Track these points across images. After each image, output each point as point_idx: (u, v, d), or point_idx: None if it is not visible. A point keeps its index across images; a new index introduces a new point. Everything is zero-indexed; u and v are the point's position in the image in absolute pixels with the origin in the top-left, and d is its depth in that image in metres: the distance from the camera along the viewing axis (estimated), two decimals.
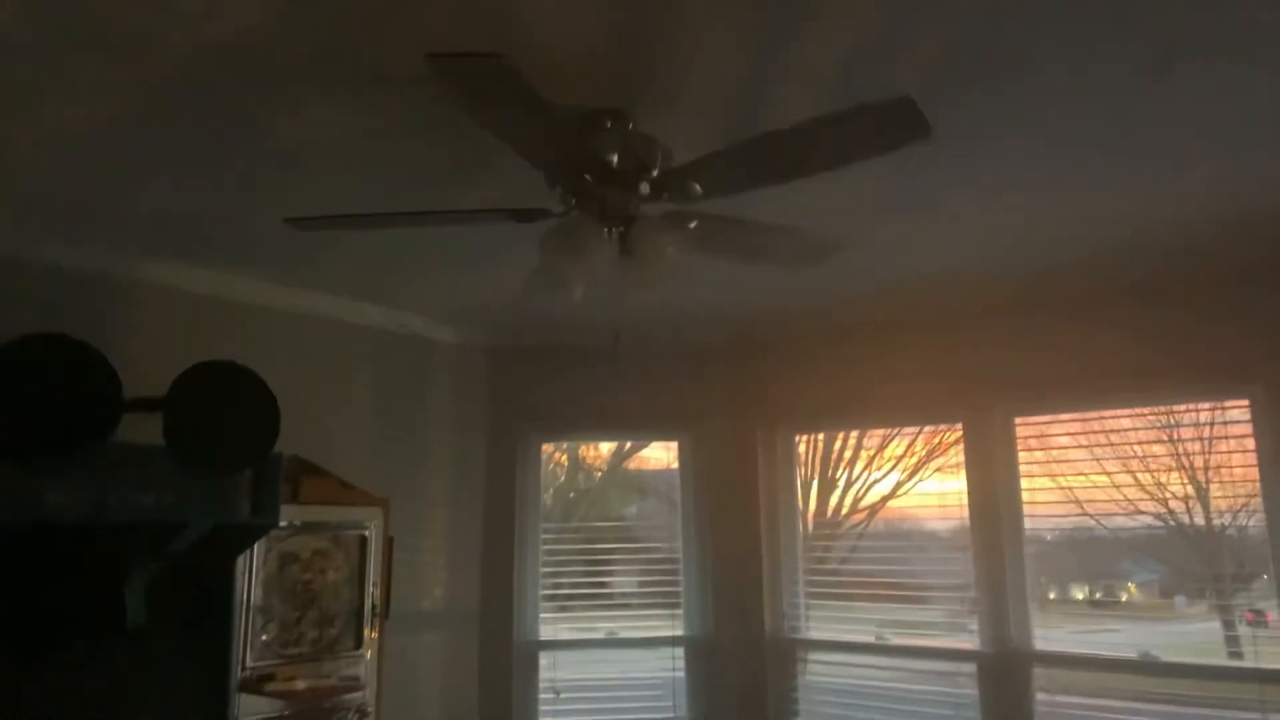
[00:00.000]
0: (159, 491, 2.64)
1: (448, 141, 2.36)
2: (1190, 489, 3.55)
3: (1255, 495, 3.31)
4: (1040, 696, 3.60)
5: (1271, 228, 3.08)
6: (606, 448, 4.98)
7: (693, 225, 2.29)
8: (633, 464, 5.00)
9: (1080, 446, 3.74)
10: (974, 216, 3.00)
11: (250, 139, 2.34)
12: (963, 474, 3.97)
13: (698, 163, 2.12)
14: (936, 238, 3.21)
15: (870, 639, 4.13)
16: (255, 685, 3.13)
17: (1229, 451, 3.45)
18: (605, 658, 4.42)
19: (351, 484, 3.65)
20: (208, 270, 3.42)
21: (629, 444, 4.90)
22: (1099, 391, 3.62)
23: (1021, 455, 3.85)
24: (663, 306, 3.99)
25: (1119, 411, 3.65)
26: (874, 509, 4.53)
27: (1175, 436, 3.61)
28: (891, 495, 4.46)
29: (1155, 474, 3.60)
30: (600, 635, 4.41)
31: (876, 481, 4.53)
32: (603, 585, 4.71)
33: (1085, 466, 3.72)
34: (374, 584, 3.60)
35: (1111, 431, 3.69)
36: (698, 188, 2.15)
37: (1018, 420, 3.85)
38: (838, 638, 4.23)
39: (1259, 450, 3.30)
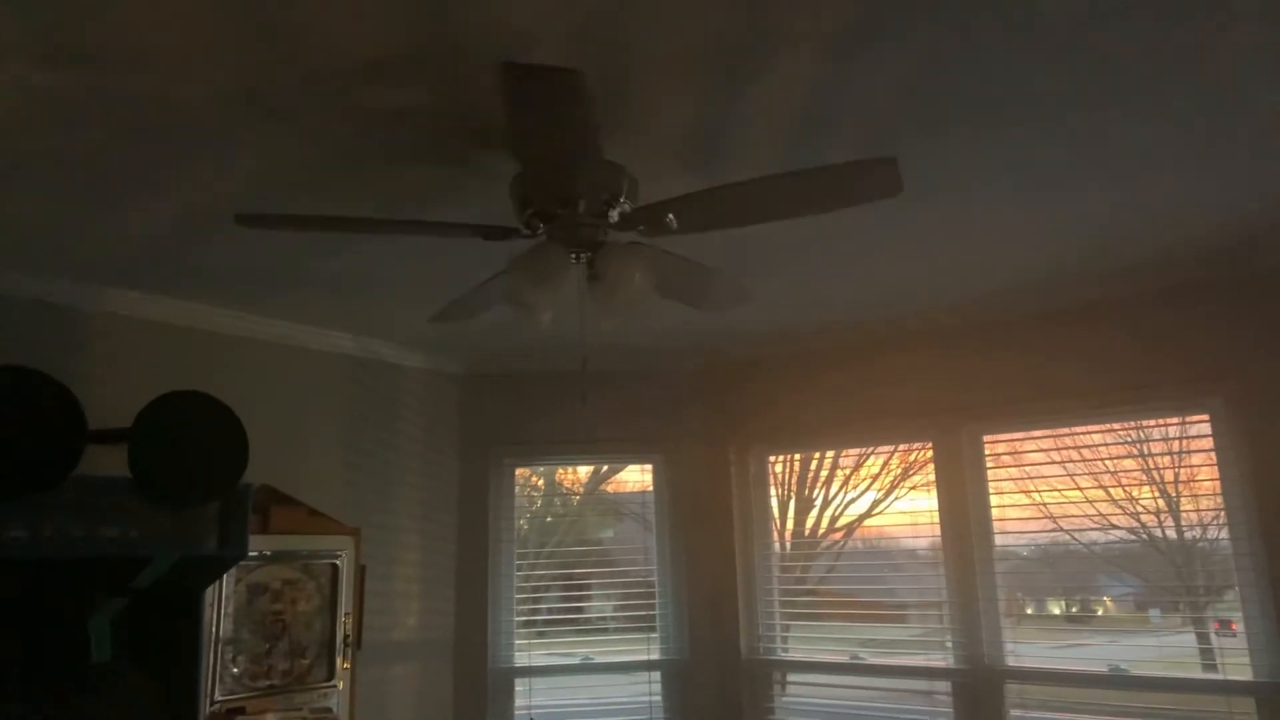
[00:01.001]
0: (123, 525, 2.60)
1: (412, 169, 2.36)
2: (1161, 502, 3.58)
3: (1223, 508, 3.35)
4: (1014, 714, 3.61)
5: (1220, 249, 3.16)
6: (584, 471, 4.97)
7: (671, 219, 2.24)
8: (610, 486, 4.98)
9: (1053, 462, 3.77)
10: (938, 243, 3.06)
11: (217, 167, 2.34)
12: (933, 491, 3.99)
13: (678, 200, 2.15)
14: (902, 264, 3.26)
15: (846, 659, 4.12)
16: (224, 719, 3.08)
17: (1197, 465, 3.49)
18: (582, 683, 4.39)
19: (322, 513, 3.61)
20: (175, 299, 3.40)
21: (605, 467, 4.88)
22: (1063, 409, 3.65)
23: (995, 471, 3.87)
24: (635, 329, 4.00)
25: (1089, 427, 3.69)
26: (851, 528, 4.54)
27: (1145, 450, 3.64)
28: (868, 514, 4.47)
29: (1127, 488, 3.63)
30: (576, 661, 4.38)
31: (853, 500, 4.54)
32: (579, 610, 4.69)
33: (1058, 481, 3.75)
34: (346, 614, 3.55)
35: (1083, 447, 3.72)
36: (673, 221, 2.18)
37: (987, 437, 3.88)
38: (814, 658, 4.22)
39: (1220, 463, 3.34)
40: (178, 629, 2.92)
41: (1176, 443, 3.58)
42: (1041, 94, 2.06)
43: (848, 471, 4.58)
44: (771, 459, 4.55)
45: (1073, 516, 3.70)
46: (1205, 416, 3.39)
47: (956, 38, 1.82)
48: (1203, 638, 3.46)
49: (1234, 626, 3.29)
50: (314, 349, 3.89)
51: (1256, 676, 3.14)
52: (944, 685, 3.80)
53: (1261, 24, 1.81)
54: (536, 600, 4.47)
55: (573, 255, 2.26)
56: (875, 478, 4.46)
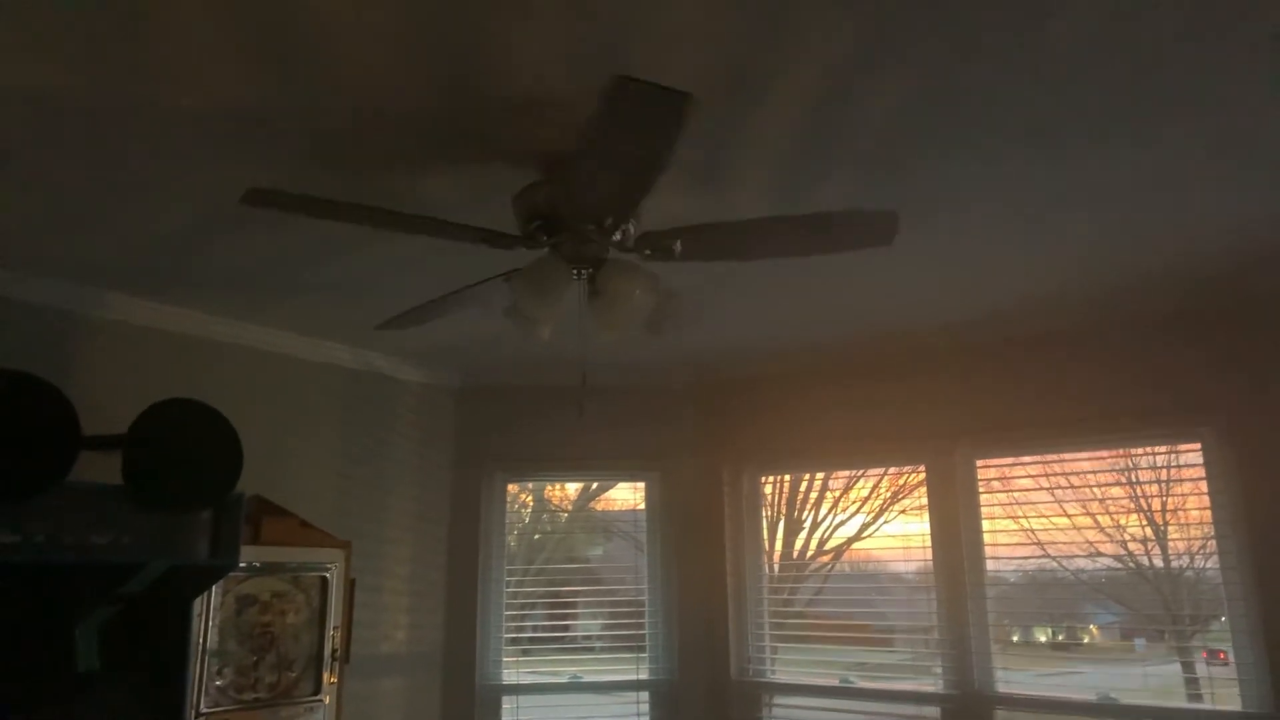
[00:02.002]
0: (115, 531, 2.58)
1: (419, 181, 2.38)
2: (1149, 531, 3.60)
3: (1211, 537, 3.37)
4: None
5: (1214, 277, 3.20)
6: (573, 488, 4.96)
7: (677, 246, 2.28)
8: (599, 505, 4.97)
9: (1041, 489, 3.79)
10: (934, 264, 3.08)
11: (221, 177, 2.34)
12: (927, 516, 4.00)
13: (686, 230, 2.21)
14: (897, 285, 3.28)
15: (835, 682, 4.12)
16: None
17: (1185, 494, 3.51)
18: (569, 702, 4.36)
19: (313, 525, 3.60)
20: (172, 306, 3.39)
21: (595, 485, 4.88)
22: (1057, 435, 3.67)
23: (984, 497, 3.89)
24: (630, 346, 4.02)
25: (1079, 454, 3.71)
26: (839, 551, 4.54)
27: (1133, 479, 3.67)
28: (856, 537, 4.47)
29: (1115, 516, 3.65)
30: (564, 679, 4.35)
31: (842, 523, 4.54)
32: (567, 629, 4.67)
33: (1046, 508, 3.76)
34: (335, 627, 3.53)
35: (1072, 474, 3.74)
36: (679, 248, 2.24)
37: (980, 462, 3.89)
38: (803, 681, 4.21)
39: (1211, 492, 3.36)
40: (166, 638, 2.90)
41: (1165, 471, 3.61)
42: (1041, 121, 2.09)
43: (837, 494, 4.59)
44: (763, 480, 4.56)
45: (1060, 543, 3.71)
46: (1196, 445, 3.42)
47: (958, 62, 1.85)
48: (1188, 667, 3.47)
49: (1222, 655, 3.30)
50: (310, 359, 3.88)
51: (1245, 707, 3.15)
52: (933, 711, 3.80)
53: (1256, 55, 1.84)
54: (525, 618, 4.45)
55: (575, 270, 2.28)
56: (864, 501, 4.48)
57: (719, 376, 4.50)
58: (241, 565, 3.06)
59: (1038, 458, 3.79)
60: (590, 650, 4.56)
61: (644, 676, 4.30)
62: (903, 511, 4.28)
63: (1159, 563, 3.58)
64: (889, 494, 4.40)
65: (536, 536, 4.83)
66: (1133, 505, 3.63)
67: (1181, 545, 3.53)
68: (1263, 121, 2.11)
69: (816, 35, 1.74)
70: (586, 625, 4.66)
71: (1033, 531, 3.78)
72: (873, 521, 4.43)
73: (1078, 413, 3.61)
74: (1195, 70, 1.89)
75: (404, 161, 2.27)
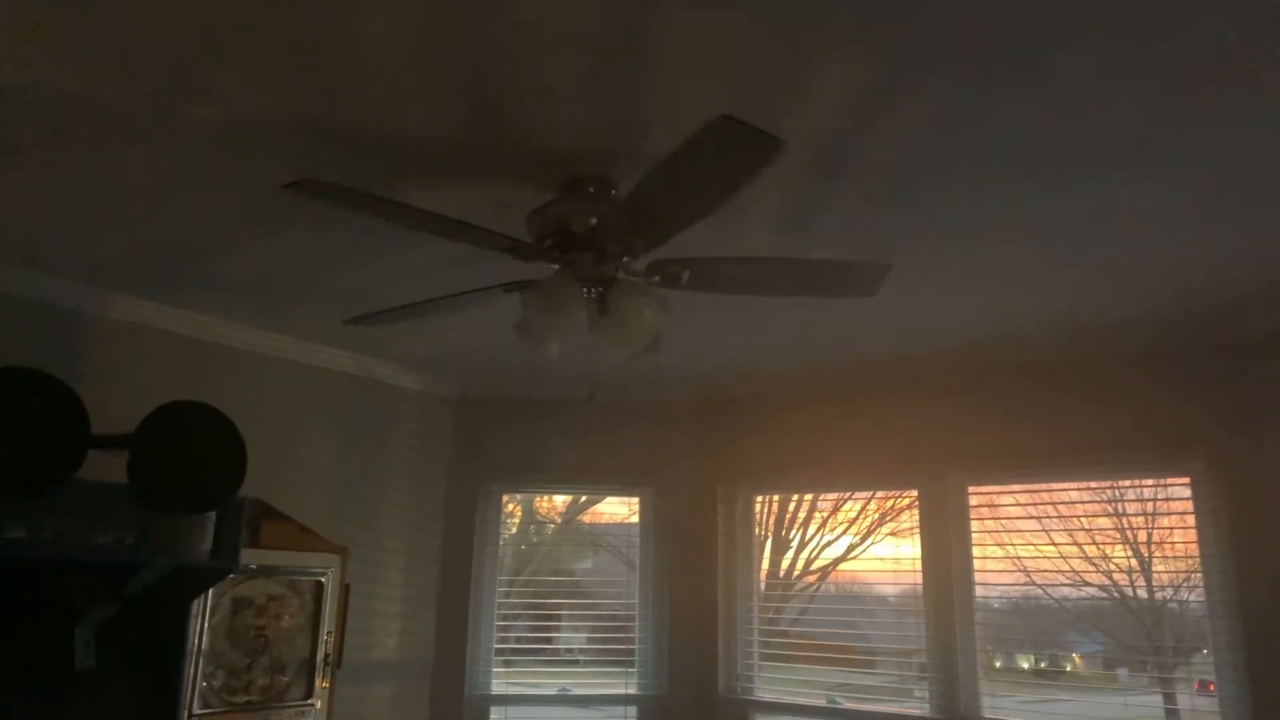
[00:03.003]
0: (120, 531, 2.60)
1: (423, 195, 2.42)
2: (1134, 562, 3.65)
3: (1196, 570, 3.42)
4: None
5: (1208, 313, 3.26)
6: (561, 500, 4.99)
7: (685, 275, 2.35)
8: (586, 517, 5.01)
9: (1029, 517, 3.84)
10: (934, 291, 3.13)
11: (239, 184, 2.38)
12: (914, 538, 4.05)
13: (695, 260, 2.28)
14: (899, 312, 3.33)
15: (822, 702, 4.15)
16: None
17: (1171, 527, 3.57)
18: (558, 715, 4.39)
19: (311, 530, 3.62)
20: (179, 309, 3.42)
21: (584, 497, 4.91)
22: (1049, 465, 3.73)
23: (973, 523, 3.93)
24: (631, 364, 4.06)
25: (1068, 485, 3.76)
26: (825, 571, 4.58)
27: (1120, 510, 3.72)
28: (843, 558, 4.51)
29: (1101, 546, 3.70)
30: (553, 692, 4.37)
31: (829, 544, 4.58)
32: (556, 641, 4.69)
33: (1033, 536, 3.81)
34: (329, 632, 3.55)
35: (1060, 503, 3.80)
36: (686, 277, 2.32)
37: (972, 488, 3.94)
38: (790, 700, 4.24)
39: (1199, 525, 3.42)
40: (164, 639, 2.92)
41: (1152, 504, 3.67)
42: (1047, 156, 2.15)
43: (825, 514, 4.64)
44: (758, 498, 4.60)
45: (1046, 571, 3.76)
46: (1186, 479, 3.48)
47: (972, 95, 1.90)
48: (1169, 698, 3.51)
49: (1211, 687, 3.35)
50: (313, 365, 3.92)
51: None
52: None
53: (1252, 101, 1.91)
54: (515, 629, 4.47)
55: (585, 289, 2.33)
56: (852, 522, 4.52)
57: (717, 395, 4.55)
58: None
59: (1028, 486, 3.85)
60: (579, 664, 4.58)
61: (633, 691, 4.33)
62: (891, 533, 4.33)
63: (1143, 594, 3.63)
64: (877, 516, 4.45)
65: (524, 547, 4.86)
66: (1119, 536, 3.69)
67: (1166, 577, 3.58)
68: (1254, 166, 2.18)
69: (837, 64, 1.79)
70: (576, 638, 4.69)
71: (1019, 559, 3.83)
72: (860, 543, 4.48)
73: (1070, 444, 3.66)
74: (1193, 114, 1.95)
75: (420, 176, 2.31)
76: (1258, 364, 3.30)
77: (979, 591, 3.86)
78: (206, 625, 3.21)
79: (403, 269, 2.98)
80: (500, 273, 2.44)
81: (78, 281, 3.14)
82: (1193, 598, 3.48)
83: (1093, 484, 3.74)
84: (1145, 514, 3.67)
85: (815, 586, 4.62)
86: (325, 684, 3.50)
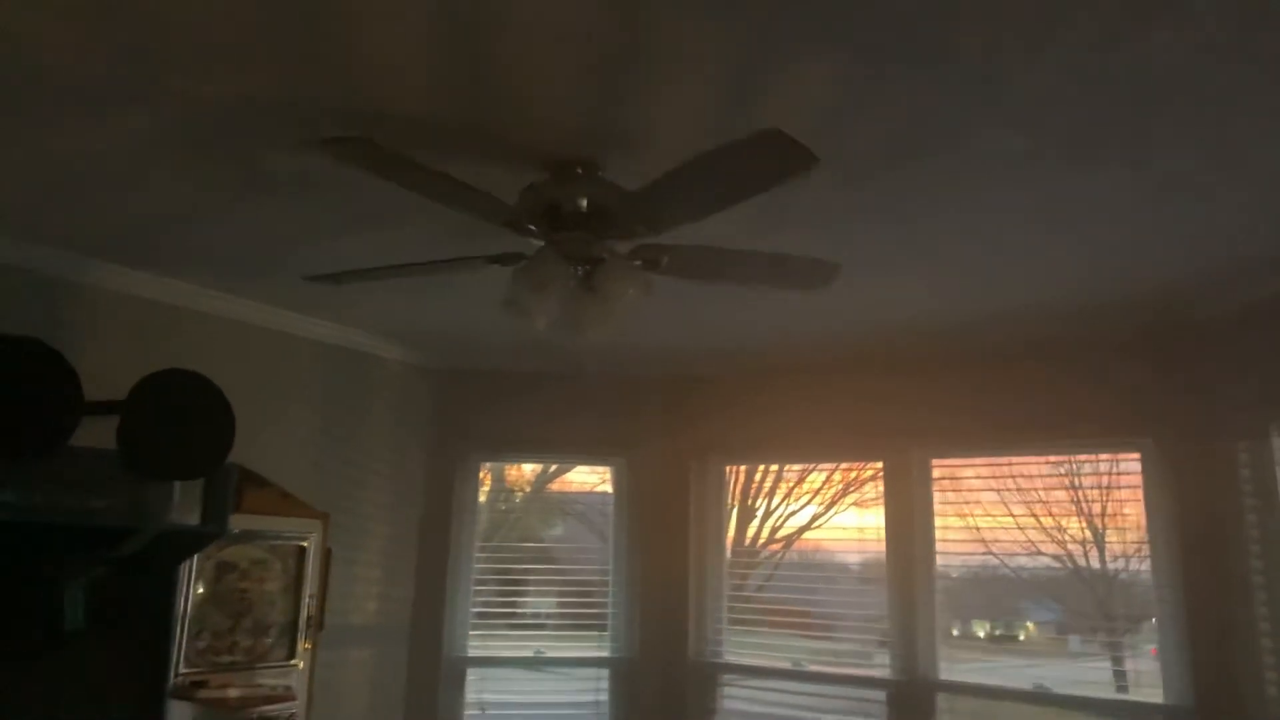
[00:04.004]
0: (111, 496, 2.66)
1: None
2: (1088, 533, 3.81)
3: (1146, 541, 3.59)
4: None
5: (1162, 300, 3.39)
6: (529, 469, 5.09)
7: (665, 260, 2.45)
8: (555, 486, 5.11)
9: (989, 489, 3.99)
10: (904, 277, 3.24)
11: (224, 156, 2.42)
12: (876, 509, 4.19)
13: (676, 248, 2.40)
14: (868, 292, 3.43)
15: (788, 665, 4.31)
16: (187, 692, 3.14)
17: (1124, 500, 3.73)
18: (532, 677, 4.51)
19: (293, 495, 3.69)
20: (162, 277, 3.44)
21: (554, 466, 5.01)
22: (1009, 439, 3.87)
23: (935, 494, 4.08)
24: (606, 341, 4.15)
25: (1027, 458, 3.91)
26: (790, 540, 4.72)
27: (1076, 483, 3.88)
28: (807, 527, 4.65)
29: (1056, 518, 3.85)
30: (528, 654, 4.50)
31: (794, 513, 4.71)
32: (530, 606, 4.81)
33: (992, 508, 3.96)
34: (310, 595, 3.63)
35: (1019, 476, 3.94)
36: (667, 262, 2.44)
37: (935, 461, 4.09)
38: (757, 663, 4.39)
39: (1146, 499, 3.58)
40: (153, 601, 2.99)
41: (1106, 478, 3.82)
42: (1010, 148, 2.24)
43: (790, 484, 4.77)
44: (728, 469, 4.72)
45: (1002, 541, 3.91)
46: (1136, 455, 3.63)
47: (937, 94, 2.00)
48: (1118, 661, 3.70)
49: (1154, 651, 3.53)
50: (294, 334, 3.95)
51: (1167, 699, 3.39)
52: (879, 695, 4.00)
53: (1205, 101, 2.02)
54: (491, 594, 4.58)
55: (572, 267, 2.41)
56: (817, 492, 4.66)
57: (690, 369, 4.63)
58: None
59: (989, 460, 4.00)
60: (555, 628, 4.71)
61: (605, 654, 4.46)
62: (854, 504, 4.47)
63: (1096, 564, 3.80)
64: (841, 487, 4.58)
65: (499, 510, 4.95)
66: (1074, 509, 3.84)
67: (1118, 548, 3.74)
68: (1206, 158, 2.30)
69: (807, 65, 1.88)
70: (550, 603, 4.81)
71: (977, 529, 3.98)
72: (824, 512, 4.62)
73: (1030, 419, 3.80)
74: (1154, 112, 2.06)
75: (415, 153, 2.36)
76: (1208, 349, 3.44)
77: (939, 561, 4.01)
78: (193, 589, 3.28)
79: (385, 243, 3.02)
80: (480, 249, 2.51)
81: (58, 249, 3.15)
82: (1143, 568, 3.64)
83: (1051, 458, 3.88)
84: (1100, 487, 3.82)
85: (780, 555, 4.75)
86: (308, 646, 3.60)
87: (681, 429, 4.67)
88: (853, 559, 4.44)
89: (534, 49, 1.86)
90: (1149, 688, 3.48)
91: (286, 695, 3.41)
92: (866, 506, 4.35)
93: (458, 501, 4.51)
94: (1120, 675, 3.65)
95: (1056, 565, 3.86)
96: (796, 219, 2.74)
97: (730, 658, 4.43)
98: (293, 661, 3.54)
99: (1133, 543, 3.67)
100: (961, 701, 3.83)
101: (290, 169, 2.46)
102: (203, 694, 3.17)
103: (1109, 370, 3.67)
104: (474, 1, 1.71)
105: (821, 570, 4.60)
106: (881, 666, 4.05)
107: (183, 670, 3.20)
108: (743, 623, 4.49)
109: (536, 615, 4.79)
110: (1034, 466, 3.92)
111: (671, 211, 2.22)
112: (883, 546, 4.12)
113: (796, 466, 4.68)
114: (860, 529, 4.31)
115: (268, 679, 3.43)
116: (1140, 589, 3.67)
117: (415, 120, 2.17)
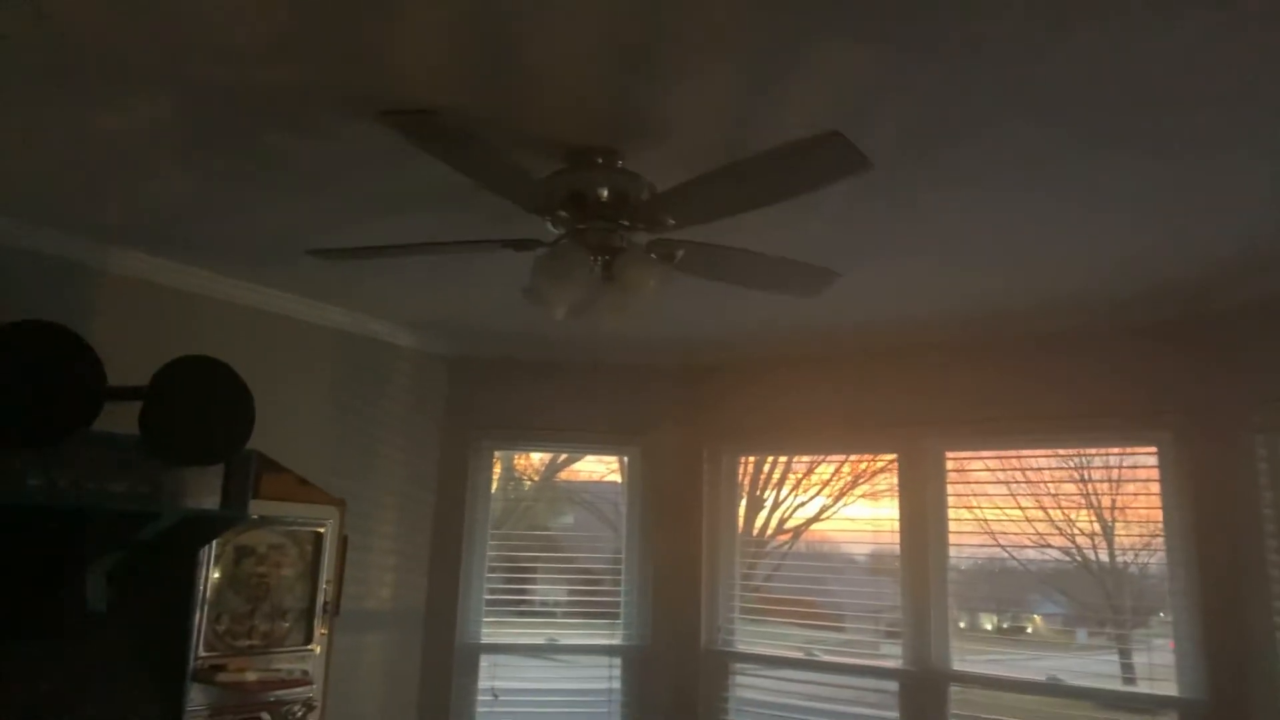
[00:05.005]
0: (134, 481, 2.69)
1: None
2: (1097, 527, 3.81)
3: (1157, 535, 3.59)
4: (956, 713, 3.84)
5: (1181, 293, 3.40)
6: (538, 458, 5.11)
7: (679, 254, 2.47)
8: (564, 475, 5.13)
9: (998, 481, 3.99)
10: (920, 268, 3.25)
11: (242, 142, 2.44)
12: (886, 501, 4.20)
13: (692, 243, 2.41)
14: (883, 283, 3.45)
15: (800, 654, 4.33)
16: (206, 675, 3.17)
17: (1134, 493, 3.73)
18: (545, 664, 4.55)
19: (311, 482, 3.72)
20: (180, 264, 3.47)
21: (564, 455, 5.03)
22: (1025, 431, 3.86)
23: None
24: (620, 329, 4.17)
25: (1038, 451, 3.91)
26: (798, 531, 4.73)
27: (1086, 476, 3.88)
28: (815, 518, 4.66)
29: (1066, 511, 3.86)
30: (540, 641, 4.53)
31: (802, 505, 4.72)
32: (543, 594, 4.84)
33: (1001, 501, 3.96)
34: (327, 581, 3.66)
35: (1028, 469, 3.95)
36: (680, 256, 2.45)
37: (949, 453, 4.09)
38: (769, 652, 4.41)
39: (1163, 493, 3.58)
40: (174, 584, 3.03)
41: (1116, 471, 3.82)
42: (1028, 138, 2.24)
43: (799, 475, 4.78)
44: (743, 459, 4.74)
45: (1011, 534, 3.91)
46: (1153, 449, 3.62)
47: (957, 88, 2.01)
48: (1125, 654, 3.71)
49: (1171, 645, 3.52)
50: (310, 321, 3.98)
51: (1181, 693, 3.40)
52: (892, 685, 4.01)
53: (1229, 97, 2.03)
54: (504, 581, 4.61)
55: (592, 257, 2.42)
56: (826, 483, 4.67)
57: (705, 357, 4.65)
58: None
59: (1002, 452, 4.00)
60: (567, 615, 4.74)
61: (617, 642, 4.49)
62: (863, 496, 4.48)
63: (1105, 558, 3.80)
64: (850, 478, 4.60)
65: (512, 496, 4.98)
66: (1084, 502, 3.84)
67: (1127, 542, 3.74)
68: (1229, 158, 2.30)
69: (829, 55, 1.89)
70: (562, 590, 4.84)
71: (986, 521, 3.98)
72: (833, 504, 4.63)
73: (1049, 412, 3.79)
74: (1166, 109, 2.07)
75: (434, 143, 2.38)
76: (1223, 339, 3.43)
77: (950, 553, 4.02)
78: (211, 573, 3.31)
79: (401, 231, 3.02)
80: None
81: (80, 236, 3.17)
82: (1153, 561, 3.64)
83: (1061, 451, 3.88)
84: (1110, 480, 3.82)
85: (788, 545, 4.76)
86: (324, 631, 3.63)
87: (696, 418, 4.68)
88: (860, 550, 4.46)
89: (556, 36, 1.87)
90: (1160, 681, 3.49)
91: (303, 680, 3.44)
92: (878, 499, 4.36)
93: (471, 489, 4.54)
94: (1128, 668, 3.66)
95: (1065, 558, 3.87)
96: (814, 208, 2.75)
97: (742, 646, 4.46)
98: (309, 646, 3.57)
99: (1142, 536, 3.67)
100: (974, 693, 3.84)
101: (310, 157, 2.48)
102: (221, 677, 3.21)
103: (1129, 363, 3.65)
104: None
105: (828, 561, 4.62)
106: (889, 657, 4.07)
107: (202, 653, 3.23)
108: (750, 612, 4.51)
109: (546, 603, 4.82)
110: (1042, 459, 3.92)
111: (714, 205, 2.24)
112: (892, 538, 4.13)
113: (805, 458, 4.69)
114: (874, 520, 4.32)
115: (285, 663, 3.46)
116: (1149, 582, 3.67)
117: (438, 108, 2.18)
